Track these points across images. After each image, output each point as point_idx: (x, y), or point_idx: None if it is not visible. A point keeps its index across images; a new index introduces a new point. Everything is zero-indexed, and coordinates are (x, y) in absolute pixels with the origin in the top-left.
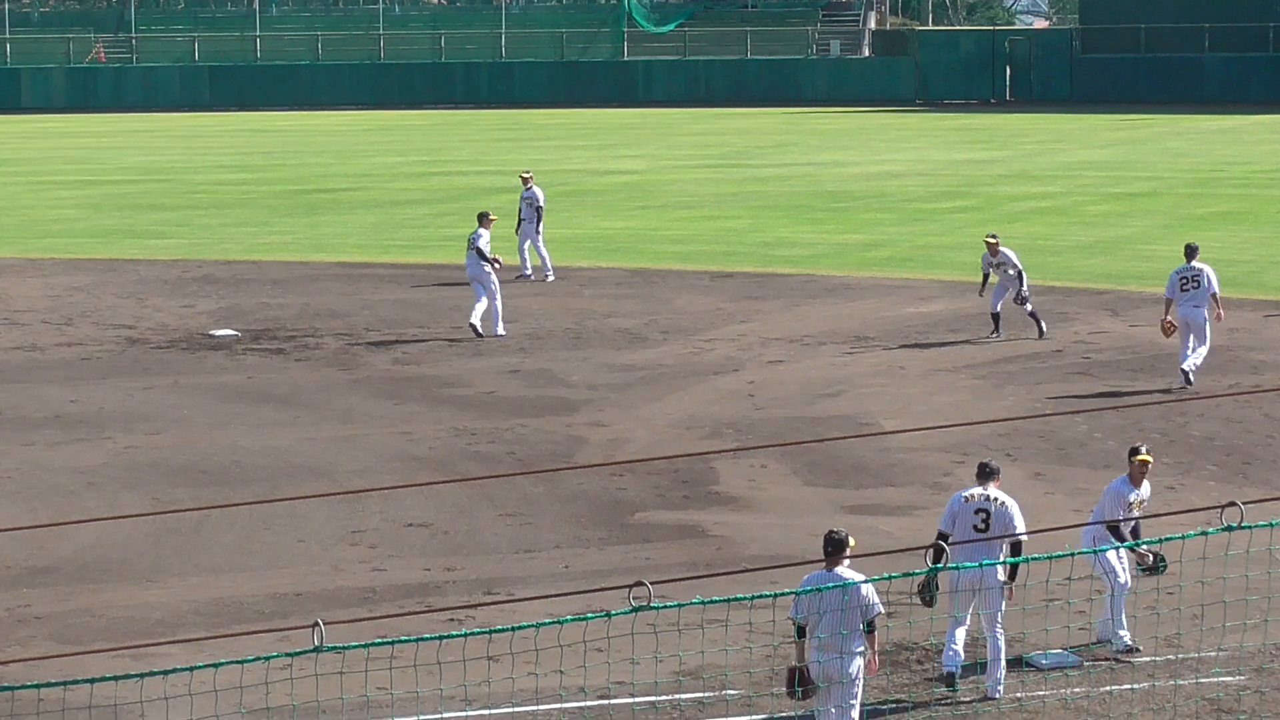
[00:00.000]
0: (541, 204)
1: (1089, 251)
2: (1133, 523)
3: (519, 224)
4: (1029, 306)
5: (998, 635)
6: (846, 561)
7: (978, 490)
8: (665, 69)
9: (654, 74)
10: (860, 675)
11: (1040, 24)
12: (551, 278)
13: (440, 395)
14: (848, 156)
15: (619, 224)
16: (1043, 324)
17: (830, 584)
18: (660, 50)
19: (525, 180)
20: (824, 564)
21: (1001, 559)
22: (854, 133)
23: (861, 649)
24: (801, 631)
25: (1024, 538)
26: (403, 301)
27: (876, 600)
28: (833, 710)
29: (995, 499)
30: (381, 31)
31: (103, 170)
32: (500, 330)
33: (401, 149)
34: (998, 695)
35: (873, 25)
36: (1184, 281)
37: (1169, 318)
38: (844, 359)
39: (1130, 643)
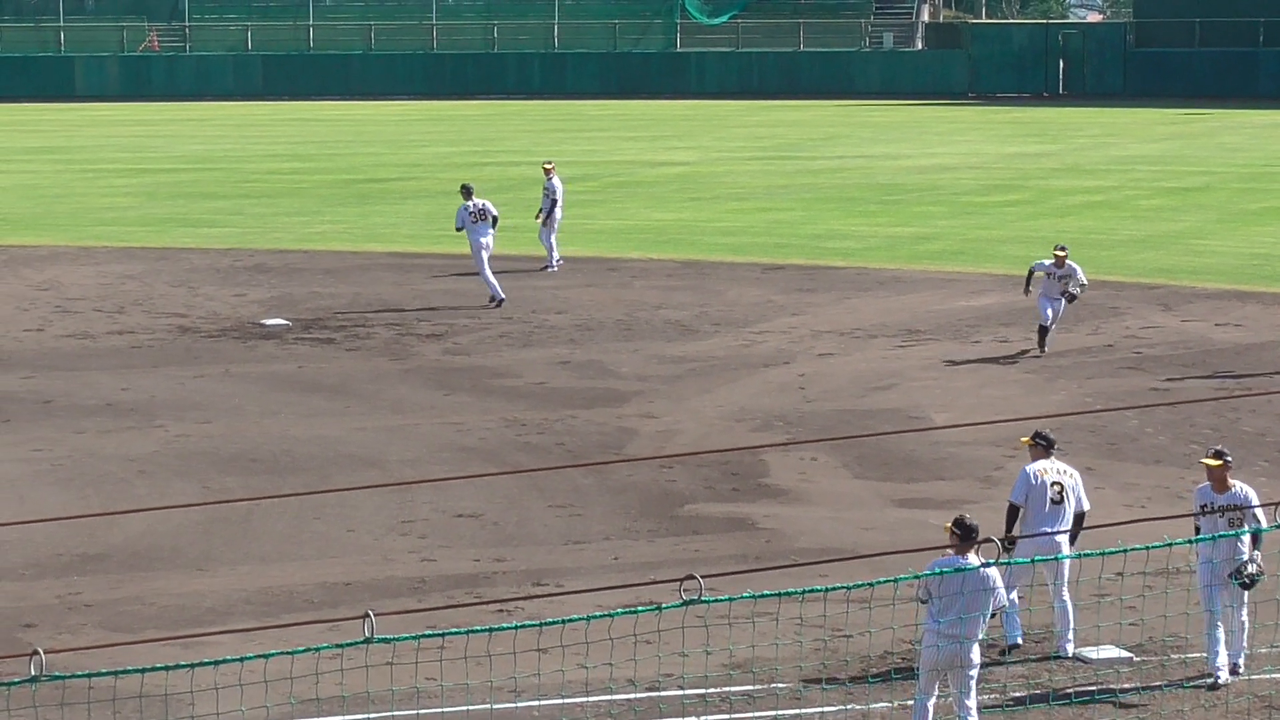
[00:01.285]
0: (557, 196)
1: (1141, 246)
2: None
3: (539, 213)
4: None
5: (1066, 599)
6: (975, 551)
7: (1046, 464)
8: (718, 60)
9: (706, 65)
10: (979, 664)
11: (1094, 17)
12: (554, 269)
13: (490, 386)
14: (900, 149)
15: (670, 215)
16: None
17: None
18: (713, 42)
19: (547, 171)
20: (953, 550)
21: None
22: (906, 125)
23: (982, 637)
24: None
25: (1087, 508)
26: (454, 292)
27: (1002, 590)
28: (947, 697)
29: (1066, 471)
30: (434, 21)
31: (156, 159)
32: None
33: (454, 139)
34: (1067, 653)
35: (926, 18)
36: None
37: None
38: (895, 352)
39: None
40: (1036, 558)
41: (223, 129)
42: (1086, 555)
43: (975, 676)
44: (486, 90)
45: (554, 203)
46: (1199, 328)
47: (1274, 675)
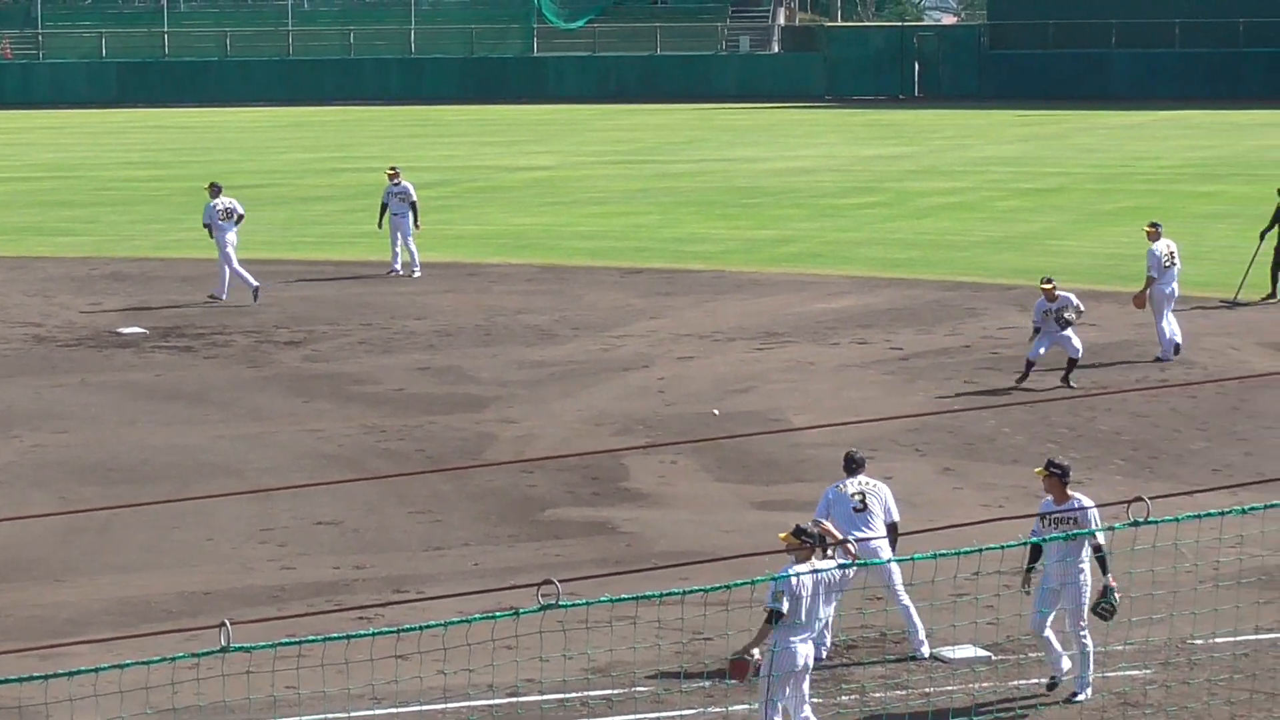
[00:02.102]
0: (414, 198)
1: (998, 247)
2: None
3: (381, 218)
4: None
5: (905, 602)
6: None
7: (848, 480)
8: (575, 65)
9: (564, 70)
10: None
11: (949, 20)
12: (419, 273)
13: (350, 392)
14: (758, 152)
15: (530, 220)
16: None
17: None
18: (570, 46)
19: (392, 176)
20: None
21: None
22: (764, 128)
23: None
24: (778, 617)
25: (898, 519)
26: (312, 299)
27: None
28: (798, 696)
29: (871, 484)
30: (290, 28)
31: (10, 167)
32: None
33: (311, 145)
34: (923, 653)
35: (782, 21)
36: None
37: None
38: (754, 355)
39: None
40: (859, 562)
41: (78, 136)
42: (943, 555)
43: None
44: (344, 96)
45: (414, 205)
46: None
47: (1130, 672)
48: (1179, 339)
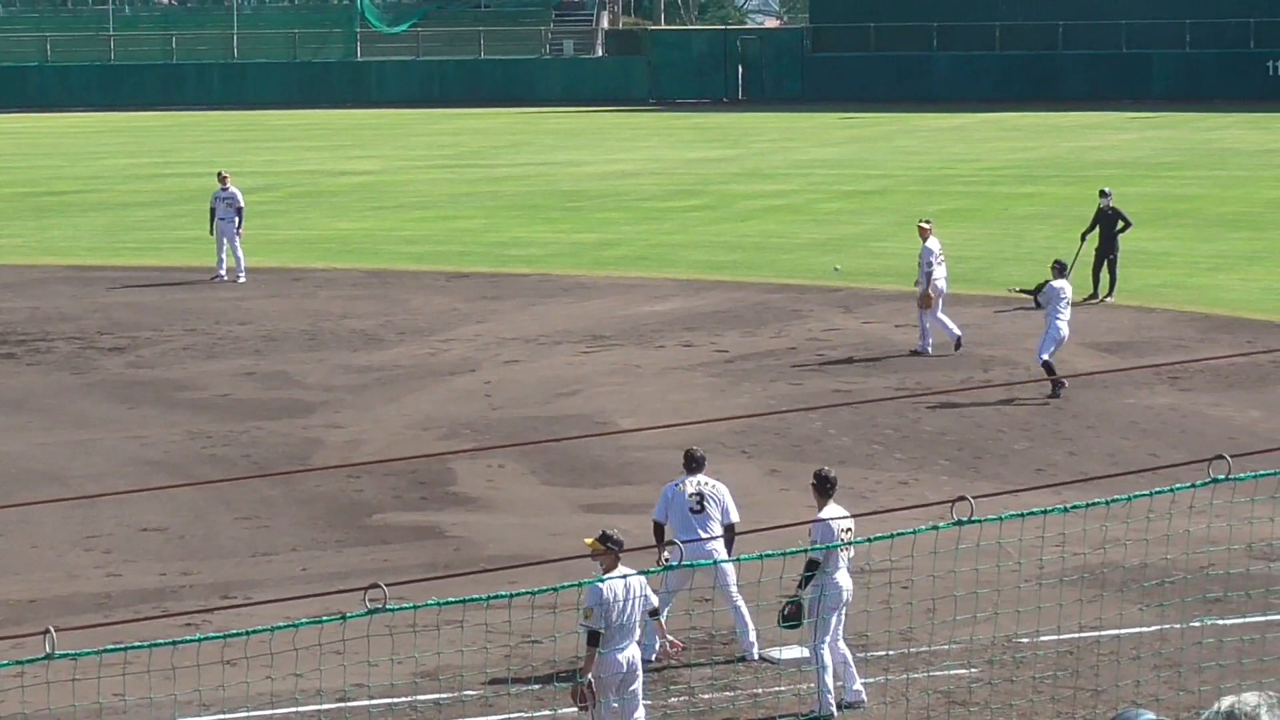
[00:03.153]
0: (242, 204)
1: (822, 249)
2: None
3: (212, 224)
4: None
5: (738, 602)
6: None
7: (687, 479)
8: (399, 69)
9: (387, 74)
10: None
11: (771, 23)
12: (244, 279)
13: (174, 398)
14: (582, 156)
15: (354, 225)
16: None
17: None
18: (393, 50)
19: (223, 180)
20: (603, 564)
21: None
22: (588, 132)
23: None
24: (596, 639)
25: (736, 519)
26: (135, 305)
27: (651, 594)
28: (630, 702)
29: (709, 484)
30: (112, 33)
31: None
32: None
33: (133, 151)
34: (752, 654)
35: (606, 25)
36: None
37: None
38: (580, 358)
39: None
40: (690, 563)
41: None
42: (769, 556)
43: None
44: (166, 101)
45: (240, 211)
46: (880, 329)
47: (956, 671)
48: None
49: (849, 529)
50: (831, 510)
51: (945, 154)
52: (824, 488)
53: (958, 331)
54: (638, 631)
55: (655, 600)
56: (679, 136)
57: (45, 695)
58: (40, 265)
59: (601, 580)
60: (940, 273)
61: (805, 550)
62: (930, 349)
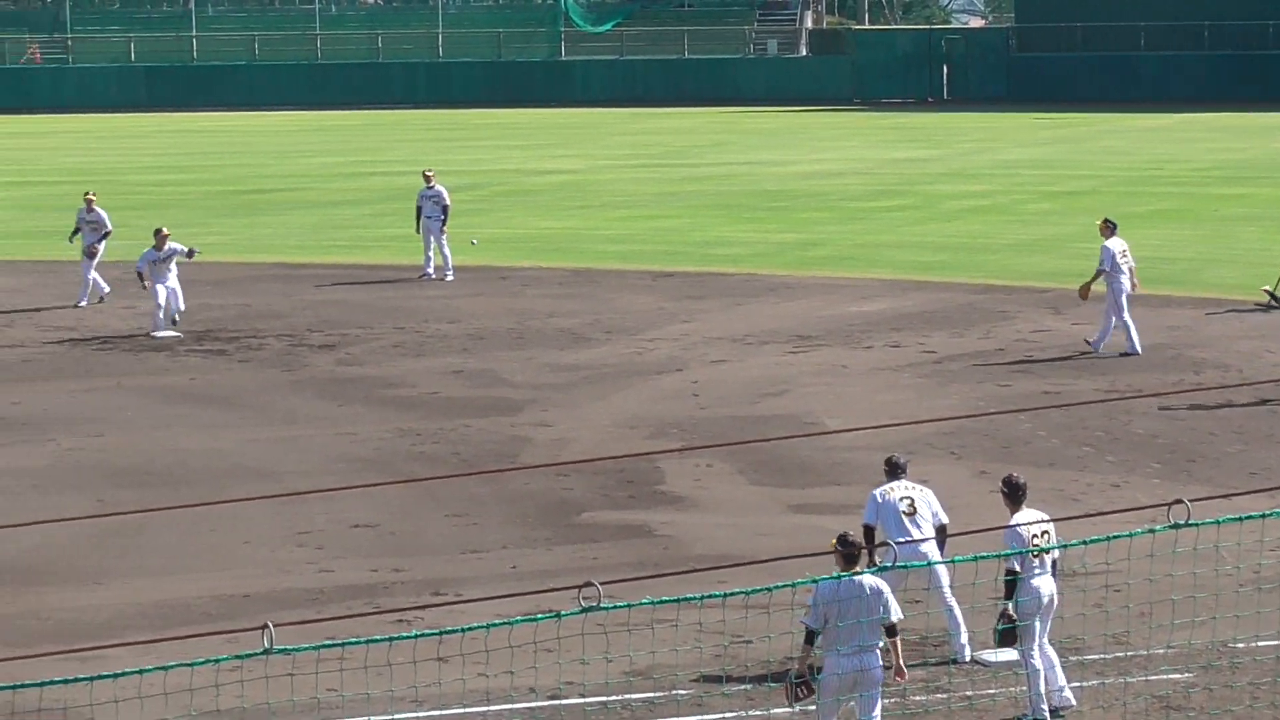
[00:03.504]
0: (448, 202)
1: (1028, 250)
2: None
3: (418, 223)
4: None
5: (951, 604)
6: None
7: (893, 484)
8: (602, 68)
9: (591, 73)
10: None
11: (976, 23)
12: (451, 277)
13: (383, 396)
14: (785, 155)
15: (558, 224)
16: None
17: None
18: (597, 50)
19: (428, 179)
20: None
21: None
22: (791, 132)
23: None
24: (813, 637)
25: (946, 521)
26: (344, 302)
27: (894, 600)
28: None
29: (915, 488)
30: (318, 31)
31: (38, 171)
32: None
33: (339, 149)
34: (964, 656)
35: (809, 25)
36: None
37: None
38: (786, 358)
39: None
40: (903, 564)
41: (106, 141)
42: (984, 558)
43: (879, 692)
44: (371, 100)
45: (446, 209)
46: (1088, 330)
47: (1172, 676)
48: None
49: (1046, 532)
50: (1023, 515)
51: (1152, 154)
52: (1014, 494)
53: (1136, 344)
54: (873, 637)
55: (898, 614)
56: (882, 136)
57: (264, 690)
58: (248, 263)
59: (829, 579)
60: (1126, 274)
61: (1019, 552)
62: (1101, 349)
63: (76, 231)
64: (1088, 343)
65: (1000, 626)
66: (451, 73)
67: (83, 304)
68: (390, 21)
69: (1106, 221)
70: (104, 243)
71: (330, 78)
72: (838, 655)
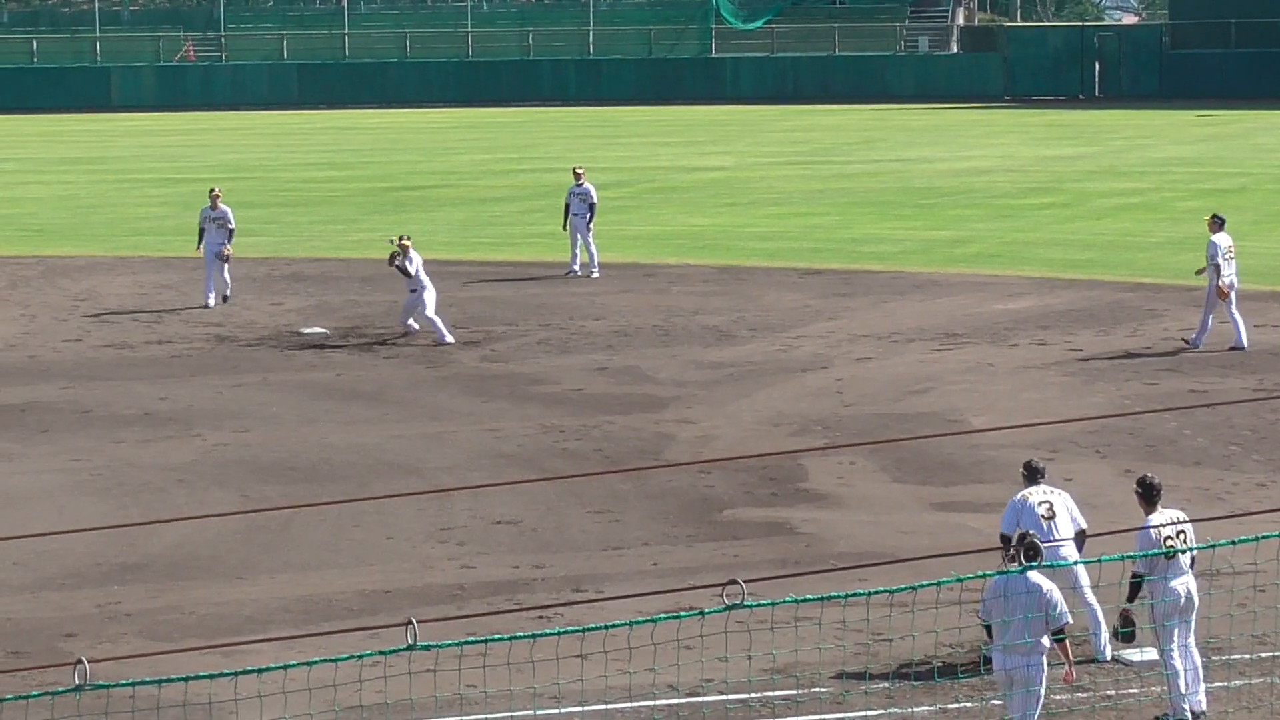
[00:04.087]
0: (595, 200)
1: (1178, 248)
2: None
3: (566, 220)
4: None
5: (1092, 602)
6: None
7: (1030, 489)
8: (753, 65)
9: (741, 70)
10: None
11: (1129, 19)
12: (597, 274)
13: (528, 392)
14: (935, 153)
15: (707, 220)
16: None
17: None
18: (748, 47)
19: (578, 176)
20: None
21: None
22: (942, 129)
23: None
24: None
25: (1085, 525)
26: (490, 299)
27: (1062, 601)
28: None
29: (1054, 492)
30: (469, 29)
31: (191, 168)
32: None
33: (489, 146)
34: (1105, 656)
35: (961, 21)
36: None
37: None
38: (932, 356)
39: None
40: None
41: (258, 138)
42: (1129, 557)
43: (1039, 694)
44: (522, 97)
45: (592, 207)
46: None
47: None
48: (1243, 335)
49: (1182, 532)
50: (1159, 516)
51: None
52: (1148, 495)
53: (1243, 336)
54: (1035, 635)
55: (1066, 618)
56: (1033, 133)
57: (407, 685)
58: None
59: (999, 573)
60: (1229, 269)
61: (1165, 553)
62: (1202, 345)
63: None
64: (1185, 341)
65: (1121, 629)
66: (602, 70)
67: (210, 304)
68: (541, 19)
69: (1214, 217)
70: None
71: (481, 75)
72: (998, 651)
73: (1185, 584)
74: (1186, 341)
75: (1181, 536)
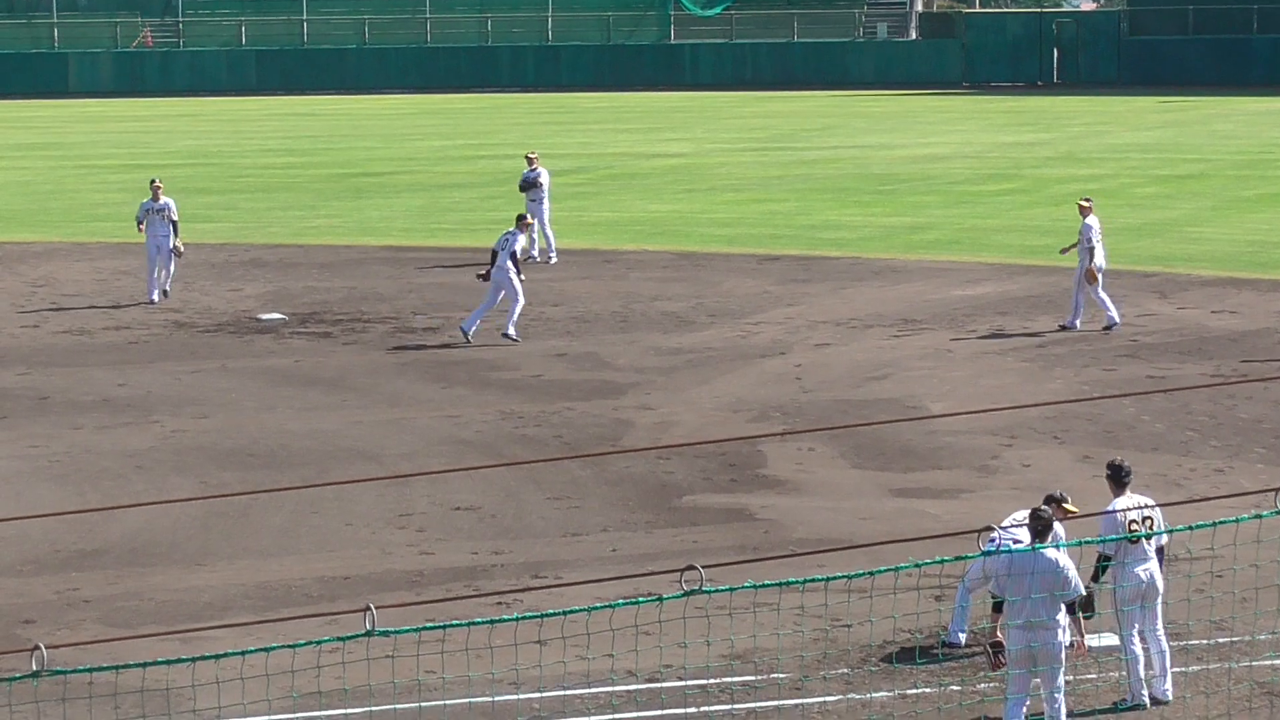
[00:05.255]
0: (546, 185)
1: (1136, 234)
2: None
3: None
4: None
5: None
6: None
7: (1124, 500)
8: (712, 52)
9: (700, 57)
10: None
11: (1088, 6)
12: (555, 259)
13: (487, 379)
14: (894, 139)
15: (665, 207)
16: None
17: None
18: (706, 33)
19: (531, 161)
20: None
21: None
22: (900, 115)
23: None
24: (999, 606)
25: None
26: (450, 285)
27: (1076, 578)
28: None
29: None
30: (428, 15)
31: (149, 154)
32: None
33: (448, 132)
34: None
35: (919, 7)
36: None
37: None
38: (891, 342)
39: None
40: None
41: (216, 124)
42: (1088, 542)
43: (1061, 667)
44: (480, 83)
45: (545, 192)
46: (1195, 315)
47: (1275, 662)
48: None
49: (1149, 518)
50: (1124, 501)
51: (1264, 139)
52: (1117, 478)
53: (1114, 314)
54: (1050, 612)
55: (1079, 590)
56: (992, 120)
57: (365, 671)
58: (357, 245)
59: (1006, 550)
60: (1100, 251)
61: (1129, 538)
62: (1080, 325)
63: (139, 224)
64: (1062, 327)
65: (1083, 611)
66: (560, 56)
67: (154, 299)
68: (500, 5)
69: (1086, 200)
70: (177, 234)
71: (439, 61)
72: (1014, 628)
73: (1148, 569)
74: (1064, 326)
75: (1148, 522)
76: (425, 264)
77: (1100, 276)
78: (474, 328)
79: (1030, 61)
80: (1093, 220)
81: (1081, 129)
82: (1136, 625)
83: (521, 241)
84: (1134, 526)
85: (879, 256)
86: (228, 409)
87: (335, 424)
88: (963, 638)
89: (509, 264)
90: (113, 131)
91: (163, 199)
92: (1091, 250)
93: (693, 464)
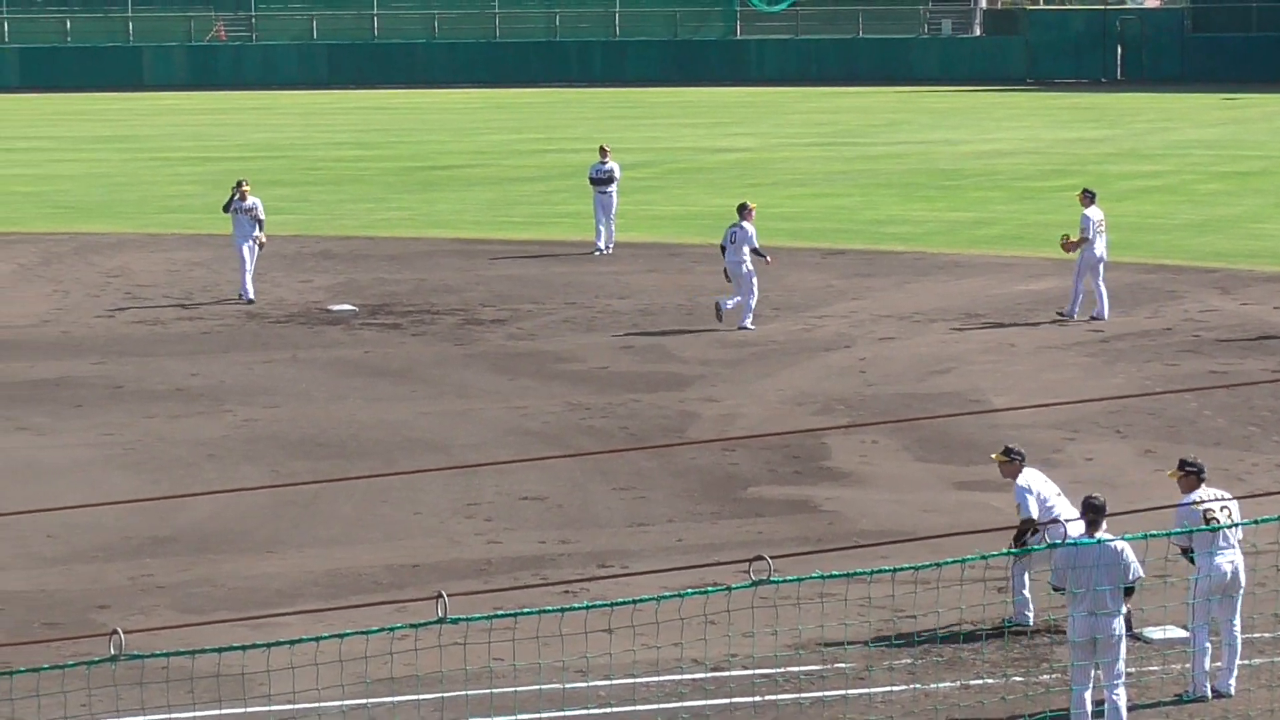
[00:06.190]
0: (618, 177)
1: (1199, 230)
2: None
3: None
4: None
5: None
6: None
7: (1200, 493)
8: (777, 47)
9: (766, 52)
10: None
11: (1151, 2)
12: (610, 251)
13: (554, 370)
14: (958, 135)
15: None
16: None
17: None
18: (772, 29)
19: (604, 154)
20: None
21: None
22: (965, 111)
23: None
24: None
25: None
26: (518, 278)
27: (1136, 564)
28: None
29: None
30: (496, 10)
31: (222, 147)
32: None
33: (516, 126)
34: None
35: (984, 4)
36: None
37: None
38: (954, 336)
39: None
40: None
41: (288, 117)
42: (1152, 536)
43: (1120, 656)
44: (548, 78)
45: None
46: (1257, 310)
47: None
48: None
49: (1226, 508)
50: (1202, 492)
51: None
52: (1196, 473)
53: (1105, 308)
54: (1113, 602)
55: (1139, 573)
56: (1055, 116)
57: (437, 658)
58: (426, 238)
59: (1070, 543)
60: (1101, 242)
61: (1187, 531)
62: (1076, 315)
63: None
64: (1059, 314)
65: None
66: (627, 51)
67: (251, 296)
68: (568, 0)
69: (1086, 191)
70: (262, 230)
71: (508, 56)
72: (1079, 616)
73: (1233, 561)
74: (1061, 314)
75: (1226, 512)
76: (494, 256)
77: (1100, 267)
78: (748, 319)
79: (1093, 58)
80: (1092, 211)
81: (1144, 125)
82: (1211, 617)
83: (751, 230)
84: (1211, 516)
85: (942, 251)
86: (298, 399)
87: (403, 414)
88: (1030, 616)
89: (744, 255)
90: (186, 124)
91: (250, 199)
92: (1091, 241)
93: (757, 456)
